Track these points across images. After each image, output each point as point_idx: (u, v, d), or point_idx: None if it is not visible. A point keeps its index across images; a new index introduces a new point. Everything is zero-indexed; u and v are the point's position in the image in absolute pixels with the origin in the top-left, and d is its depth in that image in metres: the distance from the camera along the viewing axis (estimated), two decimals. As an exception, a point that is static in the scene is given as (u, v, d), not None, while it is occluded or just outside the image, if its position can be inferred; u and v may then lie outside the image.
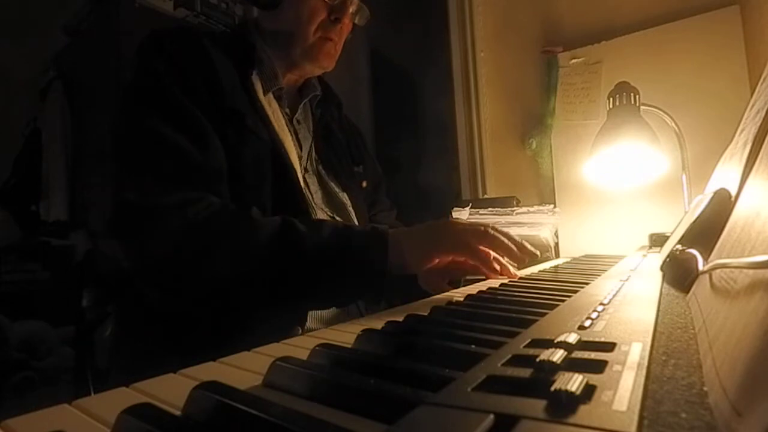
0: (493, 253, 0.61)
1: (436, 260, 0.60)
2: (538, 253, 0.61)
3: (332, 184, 0.83)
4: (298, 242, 0.57)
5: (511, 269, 0.63)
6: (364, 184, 0.93)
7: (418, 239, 0.60)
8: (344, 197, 0.84)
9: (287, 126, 0.78)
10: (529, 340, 0.24)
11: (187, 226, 0.57)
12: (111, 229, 0.63)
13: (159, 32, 0.71)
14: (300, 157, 0.80)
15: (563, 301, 0.37)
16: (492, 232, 0.60)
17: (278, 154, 0.70)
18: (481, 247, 0.60)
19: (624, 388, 0.17)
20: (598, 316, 0.29)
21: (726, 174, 0.55)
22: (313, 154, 0.84)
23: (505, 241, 0.60)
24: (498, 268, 0.61)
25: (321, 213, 0.77)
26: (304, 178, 0.79)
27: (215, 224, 0.58)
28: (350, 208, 0.83)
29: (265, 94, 0.75)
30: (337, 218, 0.80)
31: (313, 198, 0.78)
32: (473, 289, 0.57)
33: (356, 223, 0.83)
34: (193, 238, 0.57)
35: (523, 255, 0.61)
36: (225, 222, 0.59)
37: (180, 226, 0.57)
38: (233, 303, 0.59)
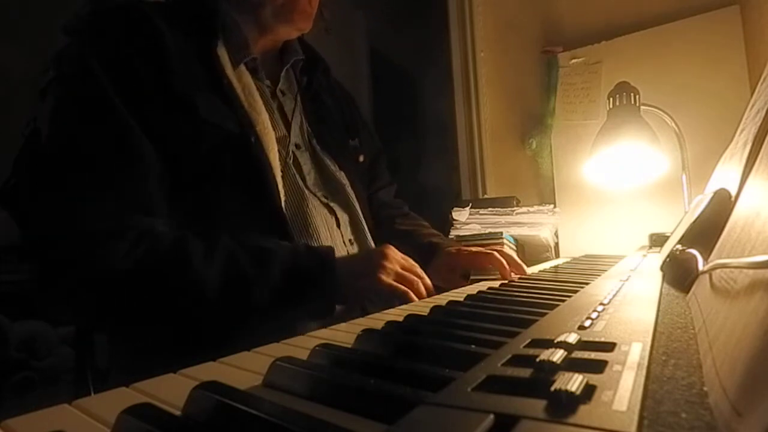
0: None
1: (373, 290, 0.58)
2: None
3: (328, 161, 0.76)
4: (242, 286, 0.53)
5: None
6: (361, 158, 0.86)
7: (353, 274, 0.58)
8: (341, 176, 0.77)
9: (268, 101, 0.71)
10: (529, 340, 0.24)
11: (106, 268, 0.50)
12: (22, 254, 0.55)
13: (94, 12, 0.60)
14: (285, 136, 0.72)
15: (563, 301, 0.37)
16: (408, 275, 0.59)
17: (245, 143, 0.62)
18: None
19: (624, 388, 0.17)
20: (598, 316, 0.29)
21: (726, 174, 0.55)
22: (305, 127, 0.76)
23: (418, 287, 0.59)
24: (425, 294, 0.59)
25: (313, 199, 0.70)
26: (294, 156, 0.72)
27: (141, 267, 0.51)
28: (348, 189, 0.77)
29: (235, 67, 0.66)
30: (332, 204, 0.73)
31: (305, 180, 0.71)
32: (473, 288, 0.57)
33: (355, 205, 0.77)
34: (115, 282, 0.51)
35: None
36: (152, 266, 0.52)
37: (97, 267, 0.50)
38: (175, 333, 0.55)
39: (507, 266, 0.68)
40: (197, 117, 0.59)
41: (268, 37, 0.73)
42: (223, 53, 0.65)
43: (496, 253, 0.69)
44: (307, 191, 0.70)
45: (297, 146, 0.74)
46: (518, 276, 0.68)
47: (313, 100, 0.80)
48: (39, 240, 0.53)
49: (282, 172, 0.67)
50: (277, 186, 0.64)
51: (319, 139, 0.77)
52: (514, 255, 0.72)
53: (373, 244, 0.79)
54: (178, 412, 0.20)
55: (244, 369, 0.27)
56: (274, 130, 0.67)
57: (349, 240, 0.75)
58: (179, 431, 0.18)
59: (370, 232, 0.80)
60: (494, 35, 1.60)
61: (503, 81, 1.58)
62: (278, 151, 0.67)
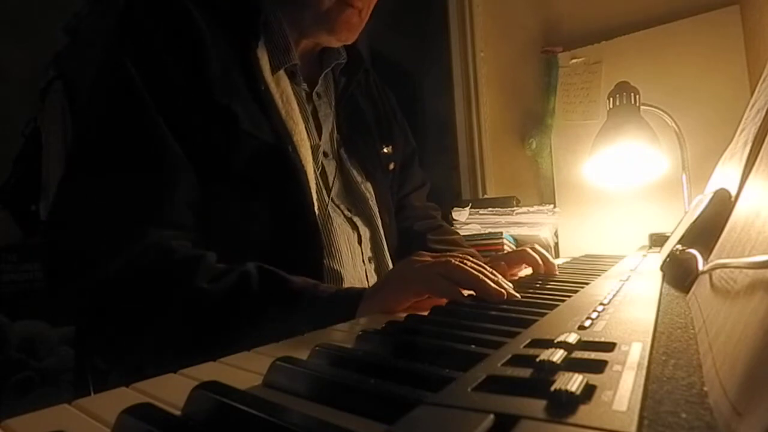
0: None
1: (406, 304, 0.47)
2: (504, 293, 0.44)
3: (354, 172, 0.72)
4: (248, 316, 0.48)
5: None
6: (392, 166, 0.81)
7: (381, 294, 0.47)
8: (367, 188, 0.73)
9: (304, 106, 0.67)
10: (529, 340, 0.24)
11: (116, 282, 0.48)
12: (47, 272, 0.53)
13: (133, 5, 0.57)
14: (317, 145, 0.68)
15: (563, 301, 0.37)
16: (454, 262, 0.46)
17: (283, 153, 0.59)
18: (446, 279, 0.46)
19: (624, 388, 0.17)
20: (598, 316, 0.29)
21: (726, 174, 0.55)
22: (335, 135, 0.72)
23: (470, 273, 0.45)
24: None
25: (336, 213, 0.67)
26: (321, 165, 0.68)
27: (151, 282, 0.49)
28: (372, 203, 0.73)
29: (274, 71, 0.63)
30: (355, 218, 0.70)
31: (331, 191, 0.68)
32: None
33: (378, 221, 0.73)
34: (123, 295, 0.49)
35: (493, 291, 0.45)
36: (163, 281, 0.49)
37: (108, 282, 0.48)
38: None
39: (541, 263, 0.62)
40: (236, 127, 0.56)
41: (310, 40, 0.69)
42: (263, 55, 0.62)
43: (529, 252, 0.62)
44: (331, 204, 0.67)
45: (325, 154, 0.70)
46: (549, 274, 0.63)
47: (350, 104, 0.76)
48: (52, 242, 0.53)
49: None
50: (312, 198, 0.61)
51: (348, 148, 0.73)
52: (546, 253, 0.65)
53: (390, 264, 0.73)
54: (178, 412, 0.20)
55: (244, 369, 0.27)
56: (308, 139, 0.64)
57: (369, 258, 0.71)
58: (179, 431, 0.18)
59: (392, 249, 0.75)
60: (494, 35, 1.59)
61: (503, 81, 1.57)
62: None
